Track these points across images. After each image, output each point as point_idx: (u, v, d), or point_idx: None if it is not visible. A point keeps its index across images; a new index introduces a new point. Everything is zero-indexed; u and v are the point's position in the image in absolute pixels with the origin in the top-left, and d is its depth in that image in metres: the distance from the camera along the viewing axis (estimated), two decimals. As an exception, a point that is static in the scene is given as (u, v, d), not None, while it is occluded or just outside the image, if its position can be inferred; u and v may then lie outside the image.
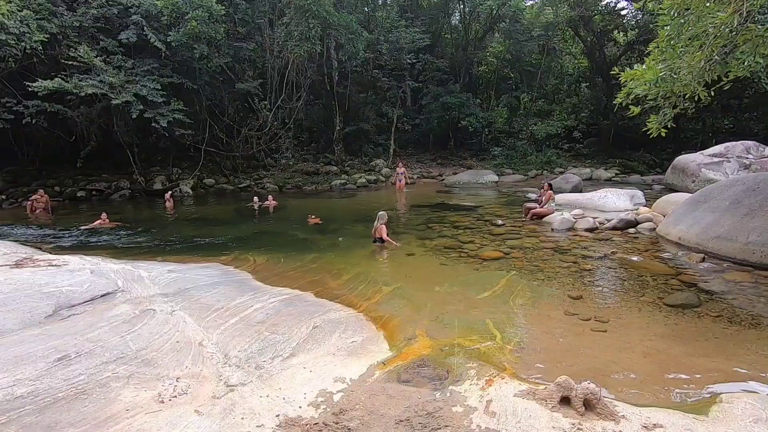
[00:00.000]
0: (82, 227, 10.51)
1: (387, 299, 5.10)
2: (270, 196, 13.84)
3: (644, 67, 5.57)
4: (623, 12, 22.67)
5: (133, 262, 6.25)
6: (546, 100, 26.96)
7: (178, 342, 3.39)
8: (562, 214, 9.05)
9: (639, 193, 11.09)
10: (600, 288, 5.29)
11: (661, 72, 4.95)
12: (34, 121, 13.90)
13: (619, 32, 23.62)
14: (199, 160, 18.36)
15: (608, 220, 8.71)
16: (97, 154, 17.91)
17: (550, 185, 10.04)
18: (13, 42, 12.42)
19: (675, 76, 4.90)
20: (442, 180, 19.25)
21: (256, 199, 13.61)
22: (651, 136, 6.60)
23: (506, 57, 23.99)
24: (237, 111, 19.57)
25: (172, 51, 15.46)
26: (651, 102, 6.00)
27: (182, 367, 3.08)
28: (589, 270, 6.00)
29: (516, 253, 7.03)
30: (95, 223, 10.82)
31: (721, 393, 2.93)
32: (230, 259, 7.08)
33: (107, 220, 10.90)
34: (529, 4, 24.42)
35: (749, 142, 13.60)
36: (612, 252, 6.77)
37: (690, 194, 9.60)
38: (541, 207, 9.73)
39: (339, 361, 3.37)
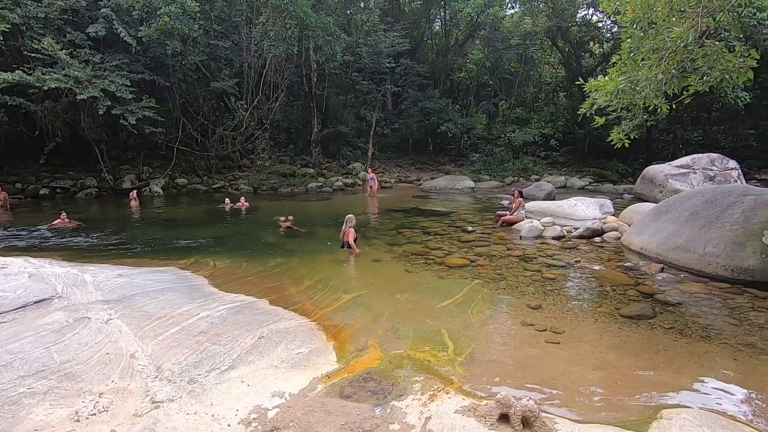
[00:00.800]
0: (40, 227, 10.06)
1: (345, 307, 4.97)
2: (242, 198, 13.55)
3: (607, 78, 5.62)
4: (599, 24, 23.22)
5: (83, 265, 5.96)
6: (524, 108, 27.38)
7: (108, 354, 3.19)
8: (531, 221, 9.10)
9: (608, 202, 11.25)
10: (560, 297, 5.27)
11: (621, 84, 4.99)
12: (-7, 114, 13.30)
13: (594, 44, 24.31)
14: (172, 159, 17.89)
15: (576, 229, 8.79)
16: (64, 150, 17.25)
17: (520, 192, 10.10)
18: (-28, 31, 11.86)
19: (635, 89, 4.94)
20: (420, 185, 19.25)
21: (227, 200, 13.30)
22: (615, 147, 6.68)
23: (486, 64, 24.20)
24: (212, 110, 19.17)
25: (144, 47, 15.04)
26: (613, 113, 6.07)
27: (108, 382, 2.88)
28: (552, 279, 6.00)
29: (482, 260, 7.00)
30: (54, 222, 10.37)
31: (663, 409, 2.91)
32: (189, 263, 6.84)
33: (67, 220, 10.46)
34: (509, 13, 24.81)
35: (714, 154, 14.01)
36: (576, 261, 6.81)
37: (653, 204, 9.80)
38: (511, 214, 9.77)
39: (281, 374, 3.23)
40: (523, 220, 9.52)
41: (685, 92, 5.72)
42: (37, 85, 12.45)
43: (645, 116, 6.22)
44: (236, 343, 3.57)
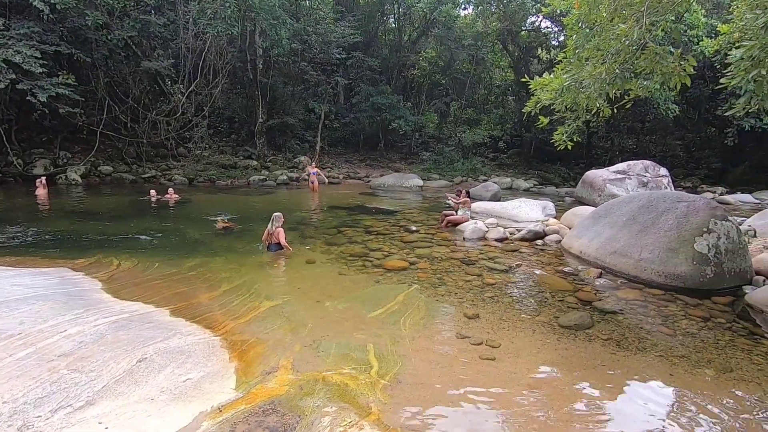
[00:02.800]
0: None
1: (262, 317, 4.35)
2: (170, 189, 12.36)
3: (552, 76, 5.39)
4: (547, 31, 23.88)
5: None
6: (475, 110, 27.68)
7: None
8: (475, 222, 8.88)
9: (551, 204, 11.36)
10: (499, 305, 4.97)
11: (566, 81, 4.75)
12: None
13: (542, 50, 24.96)
14: (95, 144, 16.13)
15: (518, 231, 8.68)
16: (-38, 129, 15.03)
17: (467, 192, 9.88)
18: None
19: (579, 87, 4.72)
20: (368, 182, 18.77)
21: (153, 191, 12.09)
22: (558, 148, 6.53)
23: (438, 63, 24.18)
24: (145, 93, 17.50)
25: (60, 15, 13.32)
26: (558, 113, 5.88)
27: None
28: (492, 285, 5.71)
29: (422, 263, 6.61)
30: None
31: (601, 440, 2.59)
32: (87, 263, 5.89)
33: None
34: (463, 14, 24.91)
35: (648, 161, 14.68)
36: (517, 264, 6.60)
37: (593, 208, 9.95)
38: (456, 214, 9.52)
39: (157, 409, 2.58)
40: (468, 220, 9.29)
41: (626, 97, 5.66)
42: None
43: (588, 117, 6.10)
44: (106, 369, 2.86)
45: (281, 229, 6.66)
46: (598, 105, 5.53)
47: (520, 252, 7.51)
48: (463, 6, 23.15)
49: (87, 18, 13.02)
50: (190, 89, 16.99)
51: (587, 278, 6.03)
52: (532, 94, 5.98)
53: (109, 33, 14.62)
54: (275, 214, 6.72)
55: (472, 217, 9.66)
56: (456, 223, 9.28)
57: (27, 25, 12.75)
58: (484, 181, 19.87)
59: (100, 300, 4.21)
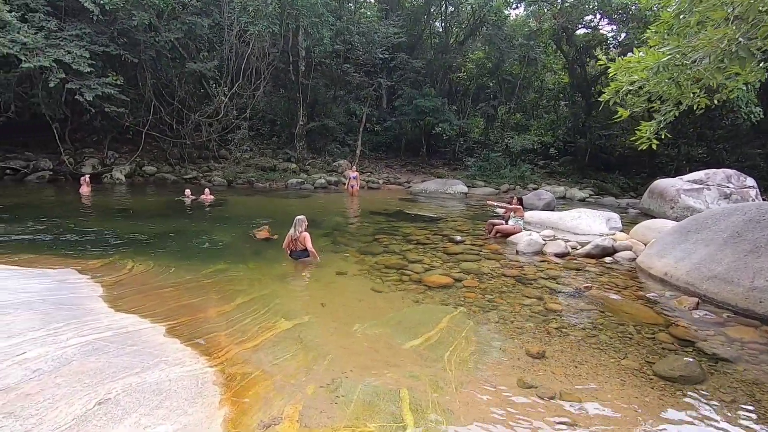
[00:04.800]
0: None
1: (274, 342, 3.57)
2: (207, 190, 12.10)
3: (641, 54, 4.30)
4: (607, 30, 22.14)
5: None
6: (524, 114, 26.20)
7: None
8: (530, 234, 7.76)
9: (615, 216, 9.98)
10: (570, 341, 3.92)
11: (666, 55, 3.66)
12: (-71, 80, 11.76)
13: (601, 50, 23.20)
14: (140, 145, 16.38)
15: (581, 245, 7.48)
16: (23, 128, 15.71)
17: (520, 200, 8.77)
18: None
19: (684, 62, 3.62)
20: (409, 187, 17.90)
21: (188, 191, 11.85)
22: (640, 148, 5.35)
23: (486, 65, 23.03)
24: (190, 95, 17.67)
25: (110, 17, 13.56)
26: (642, 101, 4.75)
27: None
28: (557, 311, 4.65)
29: (470, 280, 5.64)
30: (-25, 205, 8.91)
31: None
32: (100, 264, 5.40)
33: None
34: (513, 14, 23.64)
35: (730, 170, 12.83)
36: (585, 287, 5.46)
37: (672, 221, 8.53)
38: (507, 224, 8.44)
39: (101, 485, 1.82)
40: (520, 231, 8.19)
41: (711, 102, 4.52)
42: (-24, 49, 10.94)
43: (675, 113, 4.92)
44: (51, 413, 2.16)
45: (307, 233, 5.91)
46: (695, 92, 4.39)
47: (586, 270, 6.34)
48: (514, 5, 21.89)
49: (134, 18, 13.13)
50: (232, 91, 16.92)
51: (680, 309, 4.81)
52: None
53: (157, 35, 14.78)
54: (298, 217, 5.98)
55: (525, 228, 8.55)
56: (507, 234, 8.21)
57: (79, 27, 13.04)
58: (534, 189, 18.45)
59: (89, 311, 3.61)
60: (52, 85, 11.92)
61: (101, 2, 12.58)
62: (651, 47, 4.22)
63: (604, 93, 4.79)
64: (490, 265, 6.39)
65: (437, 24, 24.49)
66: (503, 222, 8.66)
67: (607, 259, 6.92)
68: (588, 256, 7.00)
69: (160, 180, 16.20)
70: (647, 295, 5.24)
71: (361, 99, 21.26)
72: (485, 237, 8.40)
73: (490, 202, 9.67)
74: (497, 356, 3.56)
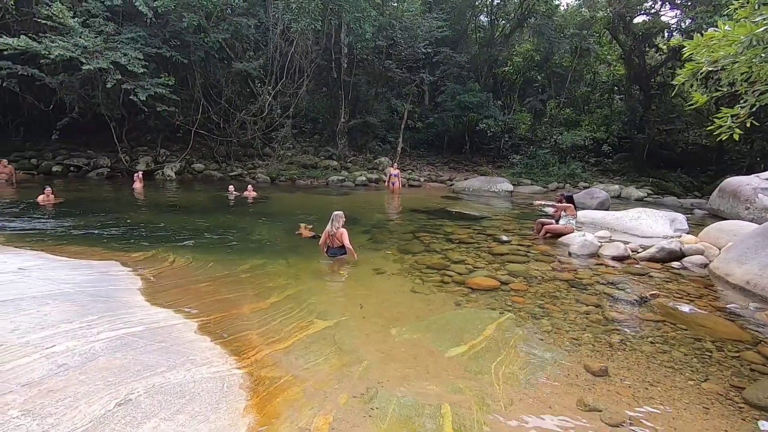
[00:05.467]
0: (24, 202, 9.25)
1: (307, 344, 3.37)
2: (249, 186, 12.29)
3: (727, 28, 3.71)
4: (670, 15, 20.48)
5: (3, 251, 4.70)
6: (574, 109, 24.80)
7: None
8: (584, 235, 7.15)
9: (681, 216, 9.09)
10: (636, 356, 3.44)
11: (762, 25, 3.10)
12: (3, 84, 12.71)
13: (662, 37, 21.53)
14: (189, 143, 16.99)
15: (643, 248, 6.79)
16: (85, 128, 16.74)
17: (570, 198, 8.14)
18: (-19, -7, 11.22)
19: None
20: (451, 185, 17.40)
21: (231, 188, 12.09)
22: (719, 138, 4.69)
23: (534, 57, 21.99)
24: (236, 94, 18.12)
25: (163, 20, 14.10)
26: (727, 83, 4.12)
27: None
28: (619, 321, 4.15)
29: (517, 283, 5.21)
30: (38, 198, 9.49)
31: None
32: (143, 257, 5.48)
33: (51, 197, 9.55)
34: (565, 2, 22.45)
35: (818, 167, 11.35)
36: (651, 294, 4.88)
37: (748, 223, 7.61)
38: (557, 223, 7.85)
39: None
40: (573, 231, 7.59)
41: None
42: (43, 53, 11.66)
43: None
44: (70, 413, 2.05)
45: (344, 229, 5.70)
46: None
47: (650, 276, 5.71)
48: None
49: (184, 20, 13.56)
50: (276, 89, 17.17)
51: (769, 324, 4.16)
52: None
53: (206, 36, 15.22)
54: (335, 212, 5.77)
55: (577, 228, 7.93)
56: (557, 234, 7.63)
57: (134, 30, 13.65)
58: (586, 188, 17.38)
59: (126, 304, 3.58)
60: (109, 85, 12.55)
61: (154, 5, 13.09)
62: (738, 20, 3.63)
63: (679, 75, 4.20)
64: (539, 268, 5.91)
65: (482, 18, 23.73)
66: (553, 221, 8.08)
67: (674, 264, 6.22)
68: (651, 259, 6.33)
69: (208, 177, 16.71)
70: (727, 307, 4.58)
71: (403, 96, 20.96)
72: (533, 237, 7.87)
73: (538, 202, 9.05)
74: (552, 371, 3.16)
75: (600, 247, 6.73)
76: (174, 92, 14.50)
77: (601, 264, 6.21)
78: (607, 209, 11.75)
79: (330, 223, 5.69)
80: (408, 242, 7.30)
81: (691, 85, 4.31)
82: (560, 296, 4.82)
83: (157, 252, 5.77)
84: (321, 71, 18.82)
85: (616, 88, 24.52)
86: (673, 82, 4.58)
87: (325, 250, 5.87)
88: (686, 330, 4.00)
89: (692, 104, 4.52)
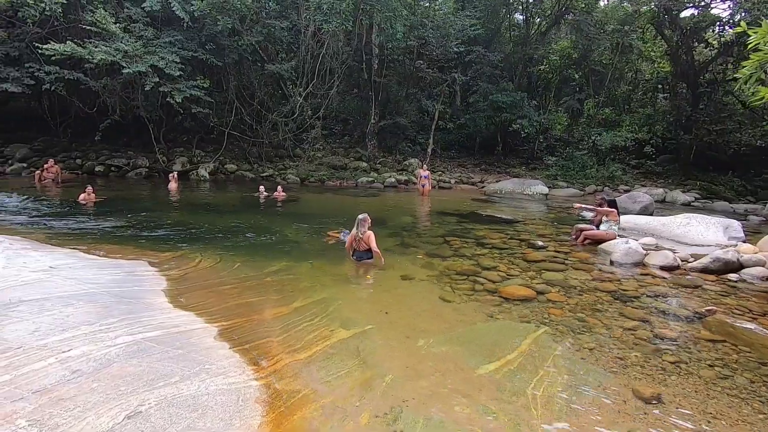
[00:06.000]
0: (68, 200, 9.70)
1: (329, 354, 3.20)
2: (279, 187, 12.35)
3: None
4: (721, 8, 19.20)
5: (37, 248, 4.80)
6: (614, 109, 23.67)
7: None
8: (627, 242, 6.67)
9: (735, 223, 8.37)
10: (694, 381, 3.07)
11: None
12: (52, 88, 13.34)
13: (712, 31, 20.22)
14: (223, 144, 17.35)
15: (695, 257, 6.25)
16: (127, 130, 17.41)
17: (613, 202, 7.65)
18: (32, 1, 11.80)
19: None
20: (483, 187, 16.94)
21: (262, 188, 12.19)
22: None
23: (572, 55, 21.16)
24: (268, 96, 18.37)
25: (199, 24, 14.44)
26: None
27: None
28: (671, 339, 3.75)
29: (554, 293, 4.86)
30: (79, 197, 9.87)
31: None
32: (171, 257, 5.49)
33: (92, 195, 9.90)
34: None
35: None
36: (708, 310, 4.43)
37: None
38: (598, 229, 7.38)
39: None
40: (614, 238, 7.10)
41: None
42: (87, 57, 12.15)
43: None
44: (77, 425, 1.95)
45: (371, 232, 5.52)
46: None
47: (704, 289, 5.21)
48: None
49: (218, 24, 13.83)
50: (307, 91, 17.26)
51: None
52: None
53: (240, 39, 15.47)
54: (360, 216, 5.59)
55: (619, 235, 7.42)
56: (597, 241, 7.17)
57: (172, 34, 14.04)
58: (627, 191, 16.52)
59: (148, 306, 3.53)
60: (147, 88, 12.94)
61: (191, 10, 13.41)
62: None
63: (743, 68, 3.77)
64: (579, 277, 5.53)
65: (516, 15, 23.08)
66: (593, 227, 7.61)
67: (731, 276, 5.67)
68: (704, 270, 5.80)
69: (240, 177, 16.99)
70: (797, 327, 4.08)
71: (434, 96, 20.64)
72: (571, 243, 7.43)
73: (577, 206, 8.53)
74: (596, 396, 2.85)
75: (646, 255, 6.25)
76: (209, 94, 14.83)
77: (647, 274, 5.75)
78: (651, 214, 11.05)
79: (355, 226, 5.52)
80: (437, 246, 7.04)
81: (757, 79, 3.85)
82: (603, 309, 4.44)
83: (185, 252, 5.79)
84: (351, 72, 18.79)
85: (660, 86, 23.26)
86: (737, 75, 4.13)
87: (352, 253, 5.71)
88: (750, 352, 3.56)
89: (758, 100, 4.05)
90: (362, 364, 3.10)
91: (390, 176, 16.99)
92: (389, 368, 3.05)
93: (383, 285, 5.06)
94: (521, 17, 23.13)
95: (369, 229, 5.54)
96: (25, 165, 15.09)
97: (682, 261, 6.17)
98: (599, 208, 7.55)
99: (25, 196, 10.12)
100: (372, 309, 4.31)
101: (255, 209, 10.55)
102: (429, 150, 19.58)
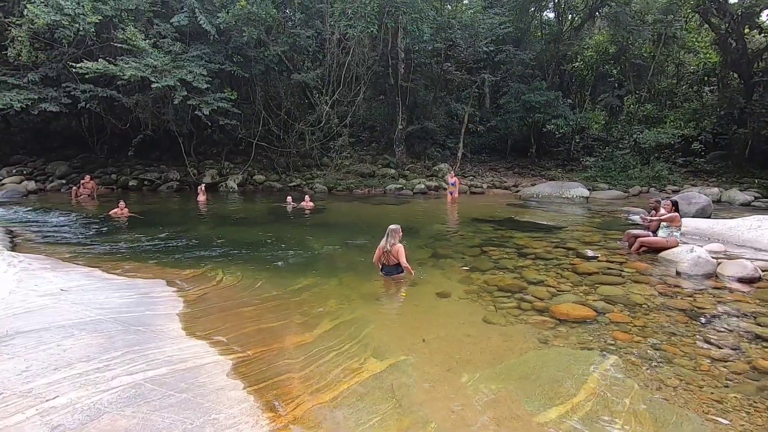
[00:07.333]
0: (101, 215, 9.82)
1: (359, 395, 2.72)
2: (306, 197, 12.07)
3: None
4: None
5: (55, 268, 4.59)
6: (656, 104, 22.28)
7: None
8: (692, 249, 5.88)
9: (816, 226, 7.34)
10: (824, 435, 2.39)
11: None
12: (87, 105, 13.68)
13: (768, 16, 18.66)
14: (251, 155, 17.37)
15: (777, 267, 5.40)
16: (159, 144, 17.75)
17: (674, 204, 6.84)
18: (67, 23, 12.11)
19: None
20: (517, 191, 16.14)
21: (289, 199, 11.96)
22: None
23: (608, 49, 20.06)
24: (295, 105, 18.31)
25: (225, 36, 14.52)
26: None
27: None
28: (776, 373, 3.05)
29: (616, 312, 4.21)
30: (112, 212, 9.93)
31: None
32: (192, 275, 5.19)
33: (124, 210, 9.92)
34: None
35: None
36: (812, 335, 3.67)
37: None
38: (655, 235, 6.60)
39: None
40: (677, 245, 6.31)
41: None
42: (118, 74, 12.36)
43: None
44: None
45: (401, 245, 5.01)
46: None
47: (798, 306, 4.41)
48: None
49: (244, 35, 13.83)
50: (333, 98, 17.06)
51: None
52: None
53: (266, 50, 15.47)
54: (391, 227, 5.09)
55: (681, 241, 6.61)
56: (657, 249, 6.39)
57: (200, 48, 14.16)
58: (675, 191, 15.32)
59: (158, 334, 3.17)
60: (176, 102, 13.05)
61: (217, 22, 13.47)
62: None
63: None
64: (641, 292, 4.83)
65: (546, 14, 22.20)
66: (648, 232, 6.83)
67: (828, 290, 4.81)
68: (794, 283, 4.97)
69: (268, 188, 16.92)
70: None
71: (463, 99, 20.04)
72: (625, 251, 6.67)
73: (644, 218, 7.32)
74: (699, 457, 2.23)
75: (719, 265, 5.45)
76: (236, 106, 14.84)
77: (723, 288, 4.97)
78: (709, 216, 10.05)
79: (385, 238, 5.04)
80: (475, 258, 6.47)
81: None
82: (679, 333, 3.77)
83: (206, 269, 5.48)
84: (378, 78, 18.48)
85: (707, 78, 21.72)
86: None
87: (380, 267, 5.23)
88: None
89: None
90: (398, 407, 2.60)
91: (419, 182, 16.48)
92: (430, 414, 2.54)
93: (418, 304, 4.55)
94: (552, 15, 22.25)
95: (400, 241, 5.04)
96: (64, 181, 15.54)
97: (764, 271, 5.34)
98: (667, 216, 6.63)
99: (63, 212, 10.29)
100: (406, 334, 3.80)
101: (282, 220, 10.29)
102: (459, 154, 18.96)
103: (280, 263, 6.07)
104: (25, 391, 2.26)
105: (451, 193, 13.59)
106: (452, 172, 15.16)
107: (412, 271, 5.14)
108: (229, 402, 2.40)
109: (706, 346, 3.51)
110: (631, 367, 3.18)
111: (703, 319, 4.06)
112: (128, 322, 3.35)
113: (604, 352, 3.41)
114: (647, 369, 3.16)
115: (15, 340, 2.83)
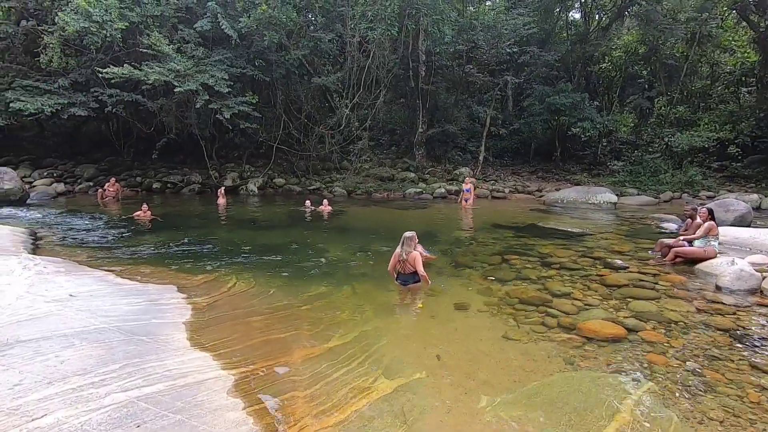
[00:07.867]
0: (124, 217, 10.05)
1: (367, 419, 2.53)
2: (325, 201, 11.99)
3: None
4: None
5: (70, 272, 4.58)
6: (689, 106, 21.32)
7: None
8: (733, 261, 5.44)
9: None
10: None
11: None
12: (114, 110, 14.00)
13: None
14: (271, 159, 17.47)
15: (831, 283, 4.93)
16: (183, 148, 18.07)
17: (710, 211, 6.39)
18: (95, 29, 12.44)
19: None
20: (541, 196, 15.65)
21: (308, 203, 11.91)
22: None
23: (638, 50, 19.34)
24: (315, 109, 18.33)
25: (247, 41, 14.65)
26: None
27: None
28: (840, 409, 2.69)
29: (651, 330, 3.89)
30: (135, 214, 10.08)
31: None
32: (204, 281, 5.12)
33: (147, 213, 10.05)
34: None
35: None
36: None
37: None
38: (692, 246, 6.16)
39: None
40: (715, 256, 5.88)
41: None
42: (143, 78, 12.60)
43: None
44: None
45: (417, 253, 4.79)
46: None
47: None
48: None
49: (265, 39, 13.91)
50: (353, 102, 16.99)
51: None
52: None
53: (287, 53, 15.54)
54: (406, 234, 4.87)
55: (719, 252, 6.16)
56: (694, 260, 5.97)
57: (222, 53, 14.33)
58: (710, 197, 14.56)
59: (161, 345, 3.06)
60: (198, 106, 13.22)
61: (238, 27, 13.60)
62: None
63: None
64: (678, 308, 4.46)
65: (572, 14, 21.60)
66: (683, 242, 6.39)
67: None
68: None
69: (288, 191, 16.96)
70: None
71: (485, 101, 19.65)
72: (658, 262, 6.26)
73: (682, 238, 6.47)
74: None
75: (763, 279, 5.02)
76: (257, 110, 14.95)
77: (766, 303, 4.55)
78: (748, 225, 9.43)
79: (400, 245, 4.83)
80: (495, 267, 6.19)
81: None
82: (722, 357, 3.42)
83: (219, 275, 5.40)
84: (398, 81, 18.32)
85: (744, 78, 20.65)
86: None
87: (395, 276, 5.02)
88: None
89: None
90: (409, 434, 2.39)
91: (439, 186, 16.20)
92: (444, 444, 2.32)
93: (434, 317, 4.32)
94: (578, 15, 21.64)
95: (415, 248, 4.82)
96: (91, 184, 15.95)
97: (815, 287, 4.88)
98: (702, 229, 6.17)
99: (90, 215, 10.51)
100: (420, 349, 3.59)
101: (300, 224, 10.21)
102: (480, 158, 18.57)
103: (293, 269, 5.94)
104: (13, 408, 2.16)
105: (466, 200, 13.15)
106: (467, 179, 14.65)
107: (429, 280, 4.91)
108: (225, 425, 2.24)
109: (754, 373, 3.16)
110: (668, 395, 2.88)
111: (748, 341, 3.69)
112: (132, 331, 3.26)
113: (638, 377, 3.11)
114: (687, 398, 2.85)
115: (13, 349, 2.76)
